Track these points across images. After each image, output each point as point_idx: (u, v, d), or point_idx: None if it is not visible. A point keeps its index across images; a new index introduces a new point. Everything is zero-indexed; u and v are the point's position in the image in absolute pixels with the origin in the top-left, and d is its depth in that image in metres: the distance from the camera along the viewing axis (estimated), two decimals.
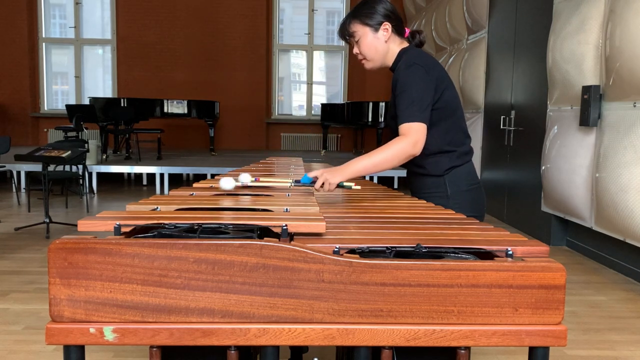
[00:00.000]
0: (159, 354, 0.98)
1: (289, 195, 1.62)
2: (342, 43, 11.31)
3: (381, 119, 8.47)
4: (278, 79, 11.44)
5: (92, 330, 0.93)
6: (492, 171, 6.34)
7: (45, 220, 4.75)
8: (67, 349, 0.95)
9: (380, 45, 1.88)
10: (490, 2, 6.47)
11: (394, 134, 1.83)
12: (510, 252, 1.02)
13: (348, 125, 10.09)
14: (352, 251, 1.05)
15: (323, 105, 10.11)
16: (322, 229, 1.13)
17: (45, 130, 10.89)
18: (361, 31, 1.87)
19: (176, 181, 8.19)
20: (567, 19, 4.36)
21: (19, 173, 7.41)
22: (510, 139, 5.77)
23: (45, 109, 11.12)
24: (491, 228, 1.29)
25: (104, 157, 8.28)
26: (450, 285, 0.93)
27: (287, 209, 1.33)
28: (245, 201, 1.45)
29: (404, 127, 1.74)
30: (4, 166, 6.70)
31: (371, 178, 7.31)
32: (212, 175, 7.04)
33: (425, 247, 1.04)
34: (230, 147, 10.97)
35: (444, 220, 1.39)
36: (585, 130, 4.16)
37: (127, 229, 1.11)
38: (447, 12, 7.72)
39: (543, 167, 4.74)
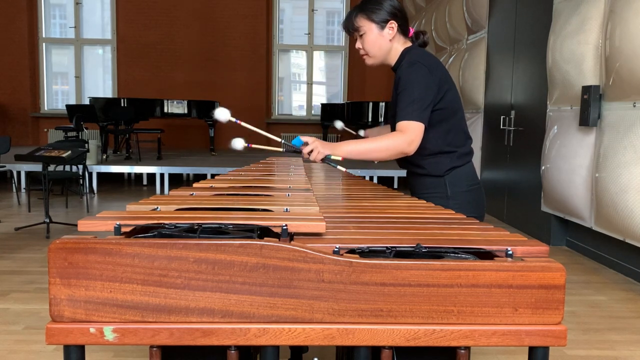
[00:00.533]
0: (159, 353, 0.98)
1: (289, 195, 1.62)
2: (342, 43, 11.31)
3: (381, 119, 8.48)
4: (278, 79, 11.44)
5: (92, 330, 0.93)
6: (492, 171, 6.34)
7: (46, 220, 4.75)
8: (67, 349, 0.95)
9: (384, 43, 1.86)
10: (490, 2, 6.46)
11: None
12: (510, 252, 1.02)
13: (348, 125, 10.08)
14: (352, 251, 1.05)
15: (323, 105, 10.11)
16: (322, 229, 1.13)
17: (46, 130, 10.89)
18: (367, 27, 1.85)
19: (176, 181, 8.18)
20: (567, 19, 4.36)
21: (19, 173, 7.41)
22: (510, 139, 5.77)
23: (46, 109, 11.12)
24: (491, 228, 1.29)
25: (104, 157, 8.28)
26: (450, 285, 0.93)
27: (287, 209, 1.33)
28: (245, 201, 1.45)
29: (402, 125, 1.73)
30: (4, 166, 6.70)
31: (371, 178, 7.31)
32: (212, 175, 7.03)
33: (425, 247, 1.04)
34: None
35: (444, 220, 1.39)
36: (585, 130, 4.16)
37: (127, 229, 1.11)
38: (447, 12, 7.72)
39: (543, 167, 4.74)
